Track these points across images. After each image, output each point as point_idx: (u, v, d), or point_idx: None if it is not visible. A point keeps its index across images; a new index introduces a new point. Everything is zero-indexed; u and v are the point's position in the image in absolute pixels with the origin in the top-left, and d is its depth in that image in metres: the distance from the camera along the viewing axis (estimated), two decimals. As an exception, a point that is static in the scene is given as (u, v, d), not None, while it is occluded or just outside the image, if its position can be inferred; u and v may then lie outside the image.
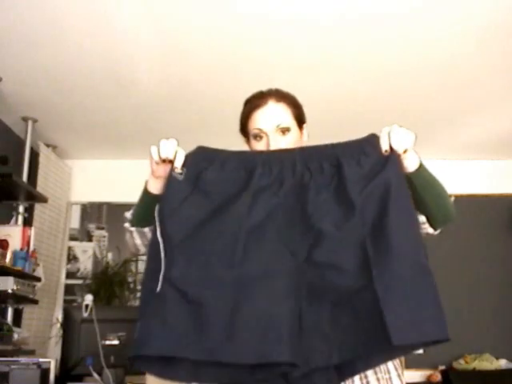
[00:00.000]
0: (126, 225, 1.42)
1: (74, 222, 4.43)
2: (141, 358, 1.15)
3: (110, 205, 4.40)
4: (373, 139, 1.24)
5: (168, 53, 2.88)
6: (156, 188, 1.32)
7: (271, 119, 1.41)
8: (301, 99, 1.49)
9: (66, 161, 4.29)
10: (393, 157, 1.21)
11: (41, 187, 3.74)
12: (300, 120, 1.46)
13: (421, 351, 4.50)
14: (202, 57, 2.91)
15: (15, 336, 3.06)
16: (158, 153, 1.26)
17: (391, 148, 1.21)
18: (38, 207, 3.77)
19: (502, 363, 3.79)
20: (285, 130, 1.41)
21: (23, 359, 2.52)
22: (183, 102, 3.44)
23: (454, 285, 4.01)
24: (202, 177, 1.23)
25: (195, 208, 1.21)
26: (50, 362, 2.47)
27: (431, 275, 1.15)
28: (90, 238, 4.43)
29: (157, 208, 1.23)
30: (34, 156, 3.79)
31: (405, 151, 1.22)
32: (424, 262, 1.16)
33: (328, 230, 1.15)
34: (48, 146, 3.98)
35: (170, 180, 1.24)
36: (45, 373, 2.43)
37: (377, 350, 1.15)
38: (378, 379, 1.28)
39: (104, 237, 4.45)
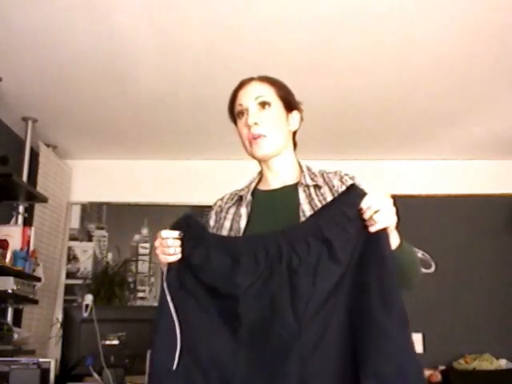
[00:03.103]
0: None
1: (74, 222, 4.42)
2: None
3: (109, 205, 4.39)
4: (354, 199, 1.17)
5: (168, 53, 2.88)
6: None
7: (251, 93, 1.43)
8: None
9: (66, 161, 4.30)
10: (382, 234, 1.15)
11: (41, 187, 3.74)
12: (287, 102, 1.45)
13: (421, 351, 4.47)
14: (201, 56, 2.91)
15: (15, 336, 3.06)
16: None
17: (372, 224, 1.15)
18: (38, 207, 3.77)
19: (502, 363, 3.78)
20: (264, 104, 1.41)
21: (23, 359, 2.52)
22: (184, 102, 3.44)
23: (454, 285, 4.01)
24: (191, 262, 1.23)
25: (188, 302, 1.22)
26: (50, 362, 2.46)
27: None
28: (90, 238, 4.43)
29: (166, 282, 1.24)
30: (34, 156, 3.79)
31: (386, 229, 1.15)
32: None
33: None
34: (48, 145, 3.98)
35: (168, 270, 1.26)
36: (45, 373, 2.42)
37: None
38: None
39: (104, 237, 4.45)
